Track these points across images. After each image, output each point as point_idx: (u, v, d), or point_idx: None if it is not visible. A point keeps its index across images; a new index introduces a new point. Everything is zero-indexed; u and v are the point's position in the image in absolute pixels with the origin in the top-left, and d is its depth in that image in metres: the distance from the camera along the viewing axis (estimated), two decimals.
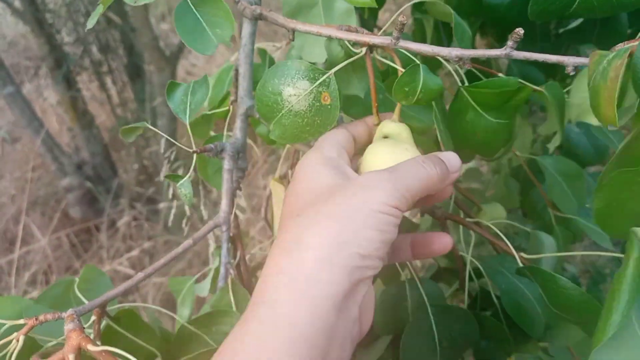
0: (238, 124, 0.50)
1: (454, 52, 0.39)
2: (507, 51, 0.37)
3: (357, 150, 0.43)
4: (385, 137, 0.43)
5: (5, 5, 2.24)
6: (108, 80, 2.54)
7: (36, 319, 0.37)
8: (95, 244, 2.46)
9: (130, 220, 2.45)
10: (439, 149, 0.42)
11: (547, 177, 0.59)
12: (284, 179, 0.54)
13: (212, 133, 0.61)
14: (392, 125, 0.43)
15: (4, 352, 0.38)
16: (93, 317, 0.42)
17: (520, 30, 0.36)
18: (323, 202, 0.34)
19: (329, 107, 0.39)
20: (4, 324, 0.38)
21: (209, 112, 0.58)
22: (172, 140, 0.46)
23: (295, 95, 0.39)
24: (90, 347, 0.35)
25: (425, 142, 0.53)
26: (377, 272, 0.33)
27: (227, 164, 0.49)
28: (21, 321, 0.37)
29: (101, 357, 0.35)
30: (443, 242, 0.43)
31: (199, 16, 0.39)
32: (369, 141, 0.43)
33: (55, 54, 2.26)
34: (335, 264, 0.31)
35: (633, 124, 0.33)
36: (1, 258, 2.25)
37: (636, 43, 0.30)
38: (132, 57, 2.46)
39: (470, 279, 0.55)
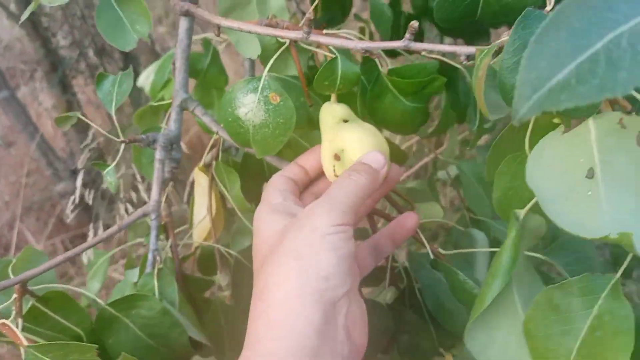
0: (173, 115, 0.52)
1: (360, 44, 0.41)
2: (406, 43, 0.38)
3: (314, 176, 0.46)
4: (345, 120, 0.45)
5: (0, 8, 2.28)
6: None
7: None
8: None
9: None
10: None
11: (464, 181, 0.61)
12: (209, 167, 0.56)
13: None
14: (341, 107, 0.46)
15: None
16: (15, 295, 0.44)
17: (415, 23, 0.37)
18: (278, 245, 0.37)
19: (282, 103, 0.42)
20: None
21: (155, 104, 0.60)
22: (100, 130, 0.48)
23: (249, 111, 0.43)
24: None
25: None
26: (348, 287, 0.35)
27: (158, 154, 0.50)
28: None
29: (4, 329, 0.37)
30: (412, 218, 0.47)
31: (120, 13, 0.42)
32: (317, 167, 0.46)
33: (51, 57, 2.30)
34: (304, 293, 0.33)
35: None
36: None
37: (501, 40, 0.31)
38: (128, 60, 2.49)
39: (401, 276, 0.57)
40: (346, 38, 0.42)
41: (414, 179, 0.71)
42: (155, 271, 0.49)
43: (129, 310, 0.45)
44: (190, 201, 0.57)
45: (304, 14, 0.74)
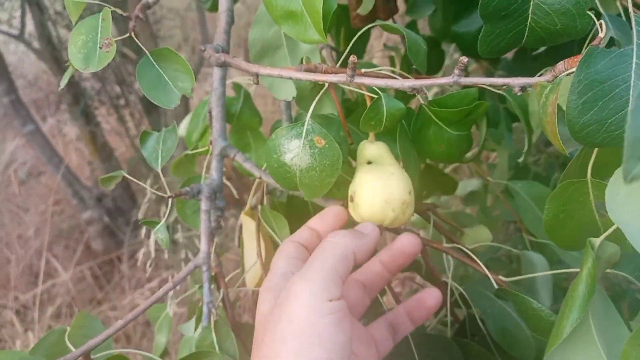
0: (214, 164, 0.52)
1: (406, 83, 0.40)
2: (455, 79, 0.37)
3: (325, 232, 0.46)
4: (369, 162, 0.46)
5: (25, 46, 2.33)
6: (125, 113, 2.60)
7: None
8: (117, 275, 2.50)
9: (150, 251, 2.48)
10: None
11: (519, 202, 0.59)
12: (255, 210, 0.55)
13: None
14: (371, 147, 0.47)
15: None
16: None
17: (464, 59, 0.36)
18: (264, 332, 0.35)
19: (327, 146, 0.41)
20: None
21: (191, 152, 0.60)
22: (145, 186, 0.48)
23: (295, 156, 0.42)
24: None
25: None
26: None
27: (204, 205, 0.50)
28: None
29: None
30: (434, 295, 0.44)
31: (161, 71, 0.41)
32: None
33: (74, 90, 2.34)
34: None
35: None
36: (26, 293, 2.31)
37: (563, 74, 0.30)
38: None
39: (458, 305, 0.55)
40: (390, 76, 0.41)
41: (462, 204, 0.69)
42: (212, 325, 0.48)
43: None
44: (240, 246, 0.57)
45: (332, 48, 0.73)
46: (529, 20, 0.38)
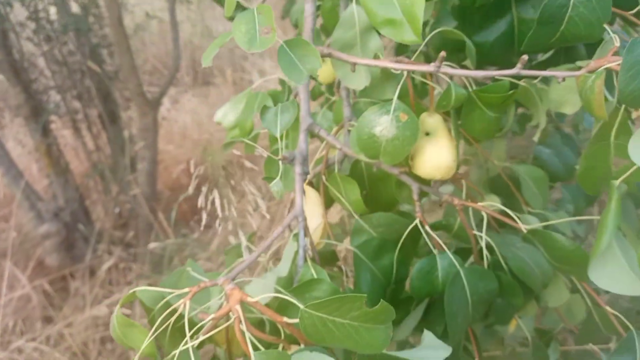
0: (302, 137, 0.64)
1: (480, 74, 0.55)
2: (517, 71, 0.53)
3: None
4: (427, 133, 0.61)
5: None
6: (83, 127, 2.60)
7: (199, 287, 0.49)
8: (73, 292, 2.46)
9: (110, 266, 2.48)
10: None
11: (522, 181, 0.76)
12: (320, 179, 0.69)
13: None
14: (429, 121, 0.62)
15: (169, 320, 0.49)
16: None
17: (525, 57, 0.52)
18: None
19: (409, 120, 0.55)
20: (171, 292, 0.49)
21: (232, 140, 0.73)
22: (254, 146, 0.60)
23: (384, 128, 0.56)
24: (249, 299, 0.47)
25: None
26: None
27: (297, 169, 0.62)
28: (186, 289, 0.49)
29: (257, 306, 0.47)
30: None
31: (293, 56, 0.54)
32: None
33: (32, 102, 2.33)
34: None
35: (610, 114, 0.50)
36: None
37: (612, 63, 0.47)
38: (108, 104, 2.55)
39: (480, 257, 0.71)
40: (465, 68, 0.56)
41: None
42: (310, 262, 0.60)
43: (303, 295, 0.56)
44: None
45: None
46: (563, 27, 0.55)
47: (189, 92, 3.31)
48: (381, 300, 0.44)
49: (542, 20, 0.54)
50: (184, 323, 0.48)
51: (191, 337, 0.48)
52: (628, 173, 0.49)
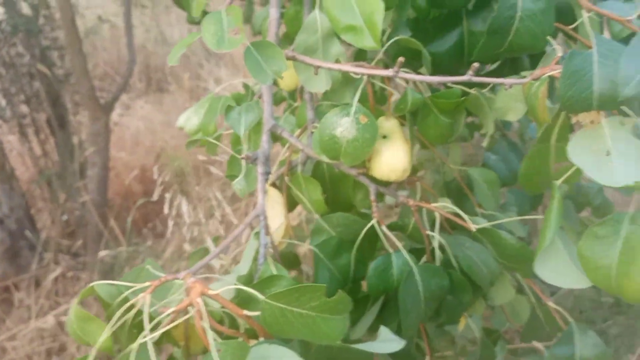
0: (264, 138, 0.66)
1: (436, 79, 0.58)
2: (469, 78, 0.56)
3: None
4: (384, 136, 0.64)
5: None
6: (30, 132, 2.52)
7: (160, 281, 0.49)
8: (17, 303, 2.36)
9: (57, 276, 2.39)
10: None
11: (475, 184, 0.80)
12: (282, 181, 0.70)
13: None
14: (386, 125, 0.65)
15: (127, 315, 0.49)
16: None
17: (476, 64, 0.56)
18: None
19: (369, 122, 0.57)
20: (131, 287, 0.50)
21: (195, 138, 0.74)
22: (226, 149, 0.61)
23: (345, 130, 0.58)
24: (210, 292, 0.48)
25: None
26: None
27: (260, 168, 0.64)
28: (146, 283, 0.49)
29: (218, 298, 0.48)
30: None
31: (259, 58, 0.56)
32: None
33: None
34: None
35: (552, 118, 0.54)
36: None
37: (554, 71, 0.50)
38: (57, 108, 2.48)
39: (433, 256, 0.74)
40: (419, 74, 0.60)
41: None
42: (270, 260, 0.61)
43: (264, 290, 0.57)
44: None
45: None
46: (510, 37, 0.59)
47: (142, 98, 3.26)
48: (339, 290, 0.46)
49: (492, 30, 0.58)
50: (142, 319, 0.48)
51: (150, 332, 0.48)
52: (568, 174, 0.53)
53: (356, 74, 0.60)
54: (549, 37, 0.60)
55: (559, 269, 0.53)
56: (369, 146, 0.60)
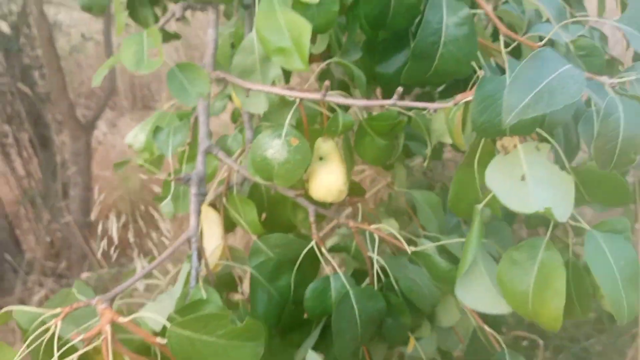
0: (200, 159, 0.66)
1: (361, 103, 0.58)
2: (394, 102, 0.57)
3: None
4: (321, 157, 0.64)
5: None
6: (13, 152, 2.52)
7: (71, 307, 0.49)
8: (3, 326, 2.34)
9: (41, 298, 2.37)
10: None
11: (418, 205, 0.80)
12: (218, 202, 0.70)
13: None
14: (323, 146, 0.65)
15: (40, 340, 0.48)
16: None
17: (400, 89, 0.56)
18: None
19: (300, 144, 0.57)
20: (43, 313, 0.49)
21: (124, 161, 0.74)
22: (155, 170, 0.60)
23: (276, 152, 0.58)
24: (121, 319, 0.47)
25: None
26: None
27: (193, 189, 0.64)
28: (58, 310, 0.48)
29: (130, 326, 0.47)
30: None
31: (184, 80, 0.56)
32: None
33: None
34: None
35: (471, 144, 0.54)
36: None
37: (467, 99, 0.51)
38: (39, 127, 2.48)
39: (379, 278, 0.73)
40: (348, 97, 0.60)
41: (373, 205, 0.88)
42: (201, 284, 0.61)
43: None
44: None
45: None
46: (435, 62, 0.59)
47: (126, 115, 3.27)
48: (247, 317, 0.45)
49: (415, 56, 0.58)
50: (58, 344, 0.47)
51: (64, 357, 0.47)
52: (489, 197, 0.53)
53: (290, 96, 0.60)
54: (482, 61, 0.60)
55: (480, 293, 0.53)
56: (301, 168, 0.60)
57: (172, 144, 0.59)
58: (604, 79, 0.43)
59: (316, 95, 0.59)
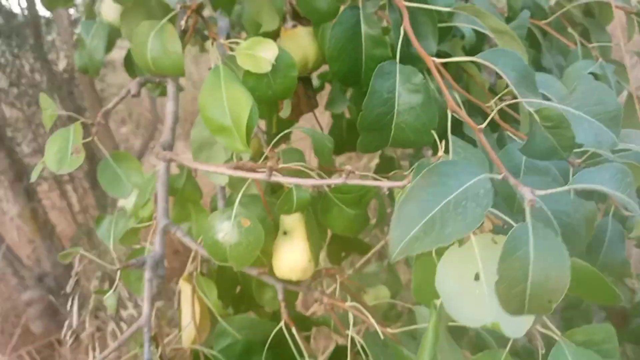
0: (157, 239, 0.62)
1: (309, 182, 0.53)
2: (342, 181, 0.50)
3: None
4: (285, 231, 0.60)
5: None
6: (69, 188, 2.64)
7: None
8: (59, 358, 2.44)
9: (94, 331, 2.45)
10: None
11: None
12: (191, 277, 0.66)
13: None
14: (287, 220, 0.60)
15: None
16: None
17: (348, 167, 0.50)
18: None
19: (252, 226, 0.53)
20: None
21: (137, 226, 0.70)
22: (96, 260, 0.58)
23: (226, 234, 0.54)
24: None
25: None
26: None
27: (147, 275, 0.60)
28: None
29: None
30: None
31: (118, 170, 0.53)
32: None
33: (16, 166, 2.37)
34: None
35: None
36: None
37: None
38: (93, 164, 2.58)
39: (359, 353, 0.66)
40: (299, 175, 0.54)
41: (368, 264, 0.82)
42: None
43: None
44: (178, 308, 0.67)
45: (263, 132, 0.87)
46: (392, 132, 0.52)
47: (181, 142, 3.34)
48: None
49: (364, 129, 0.52)
50: None
51: None
52: None
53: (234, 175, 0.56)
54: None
55: None
56: (255, 249, 0.55)
57: (114, 234, 0.56)
58: (526, 191, 0.34)
59: (261, 175, 0.54)
